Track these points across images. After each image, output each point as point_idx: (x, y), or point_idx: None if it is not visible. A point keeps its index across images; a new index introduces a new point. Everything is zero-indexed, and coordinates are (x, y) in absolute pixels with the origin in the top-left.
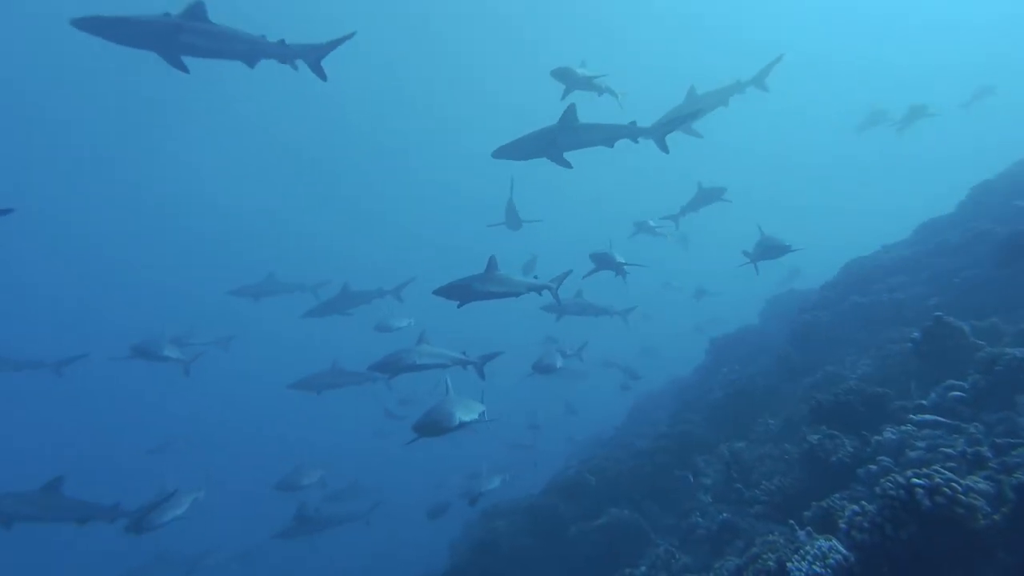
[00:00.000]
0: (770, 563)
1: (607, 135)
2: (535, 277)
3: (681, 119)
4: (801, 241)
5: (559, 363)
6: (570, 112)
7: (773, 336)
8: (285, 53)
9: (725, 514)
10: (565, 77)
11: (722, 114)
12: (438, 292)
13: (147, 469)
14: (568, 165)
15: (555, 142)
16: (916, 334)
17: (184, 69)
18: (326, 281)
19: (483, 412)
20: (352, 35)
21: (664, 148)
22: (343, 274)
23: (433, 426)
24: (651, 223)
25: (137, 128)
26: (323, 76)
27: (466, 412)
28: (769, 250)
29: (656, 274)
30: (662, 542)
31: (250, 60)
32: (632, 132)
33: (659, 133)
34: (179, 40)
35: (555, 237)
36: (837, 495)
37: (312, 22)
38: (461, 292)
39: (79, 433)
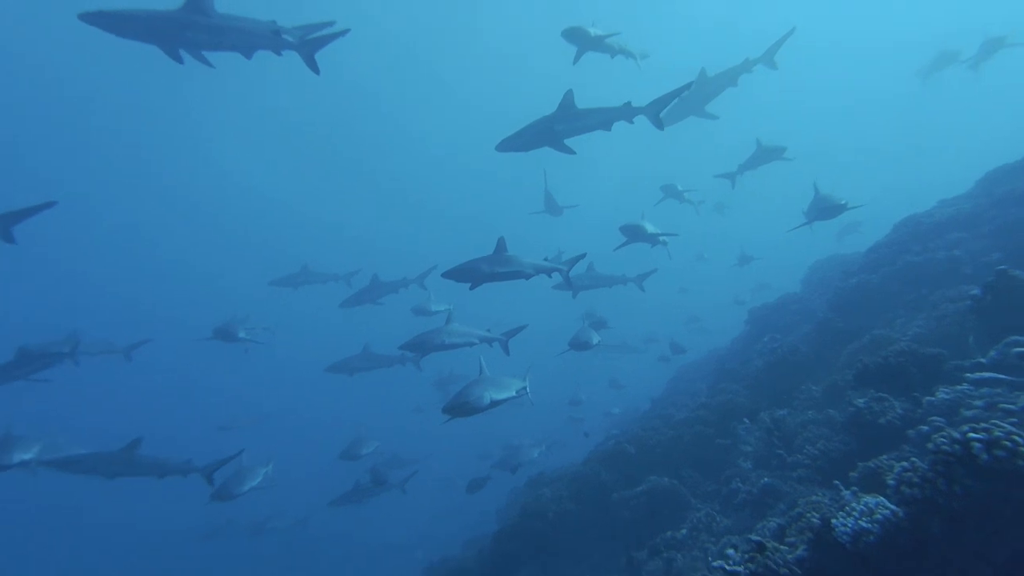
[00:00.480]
0: (814, 520)
1: (604, 118)
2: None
3: (673, 94)
4: (859, 197)
5: (595, 340)
6: (567, 99)
7: (815, 303)
8: (279, 45)
9: (767, 479)
10: (576, 37)
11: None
12: (446, 275)
13: (217, 445)
14: (570, 151)
15: (554, 130)
16: (976, 290)
17: (180, 61)
18: (356, 270)
19: (523, 388)
20: (346, 32)
21: (659, 125)
22: (373, 263)
23: (462, 407)
24: (679, 187)
25: (176, 124)
26: (316, 70)
27: (499, 391)
28: (825, 209)
29: (688, 245)
30: (702, 507)
31: (247, 53)
32: (627, 113)
33: (653, 111)
34: (183, 36)
35: (593, 220)
36: (885, 456)
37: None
38: (469, 274)
39: (150, 413)
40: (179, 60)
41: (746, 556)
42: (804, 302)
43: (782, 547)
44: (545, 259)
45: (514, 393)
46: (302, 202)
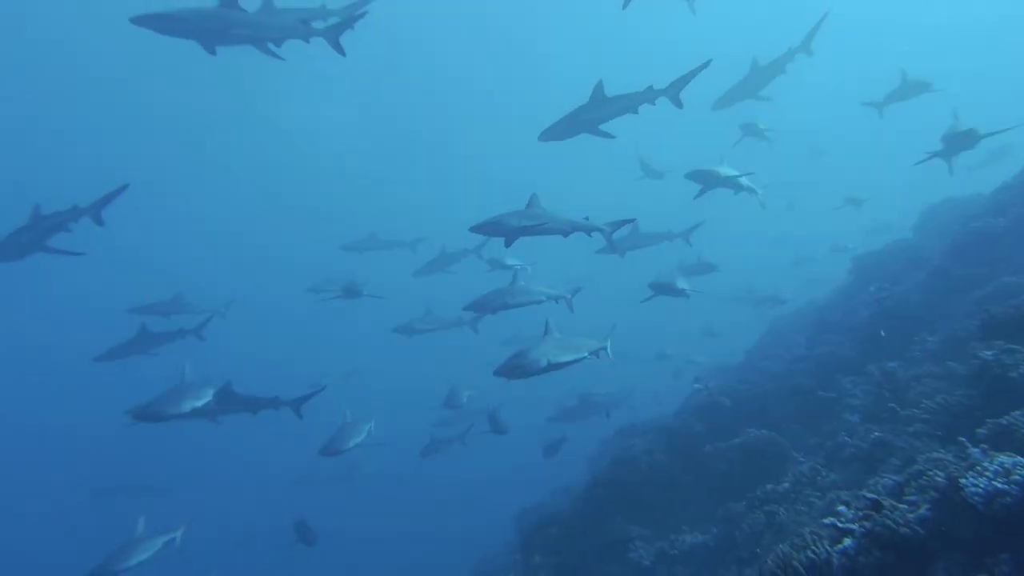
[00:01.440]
0: (938, 479)
1: (630, 103)
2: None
3: (692, 74)
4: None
5: (680, 283)
6: (598, 89)
7: (929, 250)
8: (308, 33)
9: (877, 433)
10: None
11: None
12: (475, 228)
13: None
14: (608, 135)
15: (588, 118)
16: None
17: (214, 53)
18: (423, 237)
19: (600, 349)
20: (364, 14)
21: (678, 104)
22: (438, 232)
23: (515, 370)
24: (760, 126)
25: (245, 99)
26: (342, 52)
27: (562, 352)
28: (961, 139)
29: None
30: (805, 460)
31: (279, 42)
32: (650, 96)
33: (672, 92)
34: (227, 33)
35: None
36: (1019, 412)
37: None
38: (497, 227)
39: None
40: (213, 53)
41: (860, 514)
42: (916, 249)
43: (901, 505)
44: (585, 218)
45: (584, 355)
46: (374, 174)
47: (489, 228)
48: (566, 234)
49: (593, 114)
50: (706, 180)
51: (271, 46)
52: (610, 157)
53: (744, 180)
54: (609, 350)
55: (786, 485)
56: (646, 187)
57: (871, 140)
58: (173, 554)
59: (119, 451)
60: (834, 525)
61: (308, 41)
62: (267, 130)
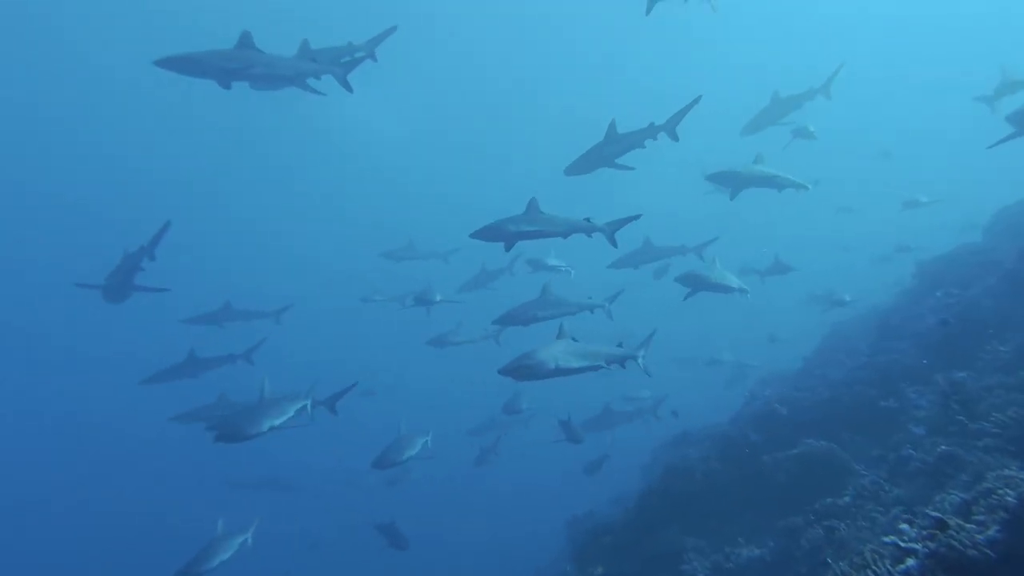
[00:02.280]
0: (1009, 499)
1: (639, 139)
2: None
3: (686, 110)
4: None
5: (718, 278)
6: (611, 128)
7: (1001, 253)
8: (319, 71)
9: (944, 446)
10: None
11: None
12: (474, 235)
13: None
14: (628, 168)
15: (604, 154)
16: None
17: (229, 88)
18: (455, 249)
19: (624, 359)
20: (367, 58)
21: (675, 138)
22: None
23: (520, 370)
24: (811, 128)
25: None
26: (349, 89)
27: (574, 358)
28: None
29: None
30: (867, 473)
31: (297, 84)
32: (651, 131)
33: (670, 126)
34: (244, 73)
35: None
36: None
37: None
38: (494, 233)
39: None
40: (228, 88)
41: (924, 533)
42: (987, 252)
43: (968, 525)
44: (586, 219)
45: (600, 363)
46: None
47: (487, 233)
48: (565, 236)
49: (608, 150)
50: (730, 181)
51: (311, 81)
52: (669, 165)
53: (780, 176)
54: (641, 361)
55: (846, 499)
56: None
57: (943, 139)
58: (246, 553)
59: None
60: (896, 544)
61: (319, 79)
62: (314, 132)
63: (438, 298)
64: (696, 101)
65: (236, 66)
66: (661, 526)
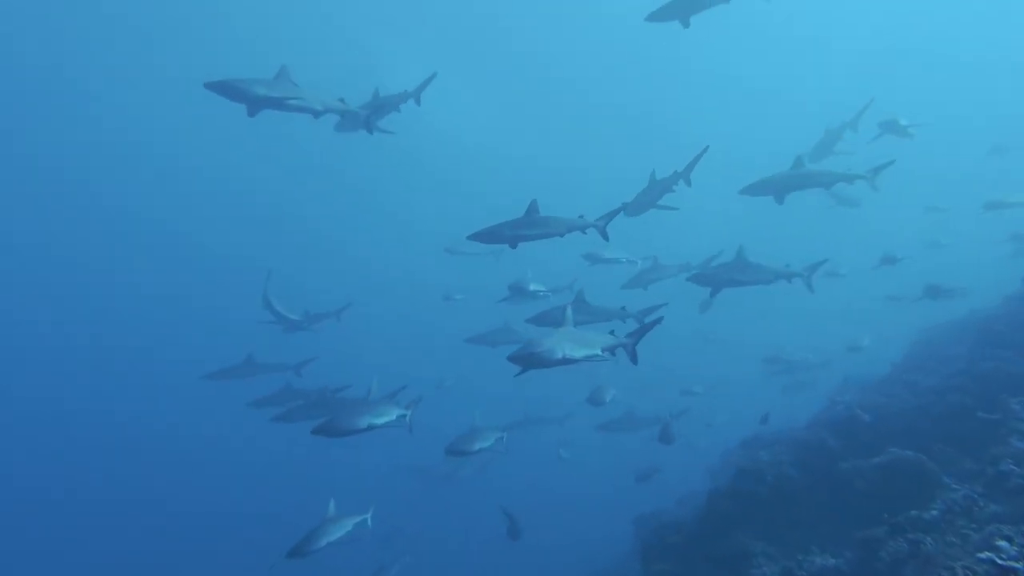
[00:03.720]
0: None
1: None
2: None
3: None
4: None
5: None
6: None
7: None
8: (345, 110)
9: None
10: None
11: None
12: (472, 237)
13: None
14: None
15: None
16: None
17: (253, 116)
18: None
19: (614, 347)
20: (408, 101)
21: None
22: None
23: (529, 358)
24: (902, 122)
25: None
26: (370, 131)
27: (577, 347)
28: None
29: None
30: (959, 487)
31: (319, 116)
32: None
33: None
34: (281, 104)
35: None
36: None
37: None
38: (493, 236)
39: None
40: (253, 116)
41: None
42: None
43: None
44: (580, 216)
45: (597, 352)
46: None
47: (486, 236)
48: (563, 235)
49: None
50: (766, 189)
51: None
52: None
53: (821, 172)
54: (630, 349)
55: (935, 513)
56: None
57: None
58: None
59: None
60: (993, 561)
61: (343, 118)
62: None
63: (532, 287)
64: (705, 151)
65: (276, 96)
66: (730, 528)
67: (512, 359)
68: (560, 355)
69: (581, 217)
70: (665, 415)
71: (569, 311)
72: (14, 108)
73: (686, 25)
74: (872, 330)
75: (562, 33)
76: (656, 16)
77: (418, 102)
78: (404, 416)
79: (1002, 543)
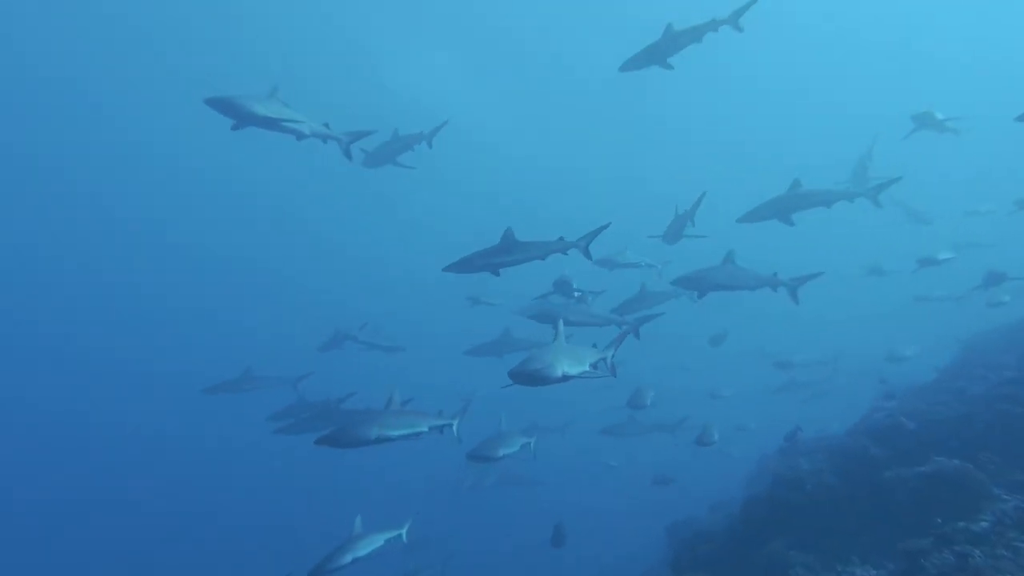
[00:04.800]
0: None
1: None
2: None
3: (596, 232)
4: None
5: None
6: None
7: None
8: (328, 135)
9: None
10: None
11: None
12: (447, 268)
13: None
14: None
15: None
16: None
17: (236, 131)
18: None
19: (601, 362)
20: (371, 132)
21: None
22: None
23: (533, 376)
24: (939, 116)
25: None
26: (349, 158)
27: (574, 363)
28: None
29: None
30: (1010, 498)
31: (302, 138)
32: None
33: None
34: (274, 124)
35: None
36: None
37: None
38: (468, 265)
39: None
40: (236, 131)
41: None
42: None
43: None
44: (560, 238)
45: (586, 367)
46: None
47: (461, 266)
48: (543, 258)
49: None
50: (767, 214)
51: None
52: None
53: (831, 189)
54: (609, 361)
55: (984, 524)
56: None
57: None
58: (398, 549)
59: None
60: None
61: (325, 143)
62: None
63: (575, 286)
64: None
65: (273, 116)
66: (766, 538)
67: (512, 376)
68: (560, 373)
69: (561, 239)
70: (707, 422)
71: (561, 324)
72: (16, 111)
73: (667, 67)
74: (917, 336)
75: (575, 34)
76: (629, 65)
77: (430, 145)
78: (437, 427)
79: None
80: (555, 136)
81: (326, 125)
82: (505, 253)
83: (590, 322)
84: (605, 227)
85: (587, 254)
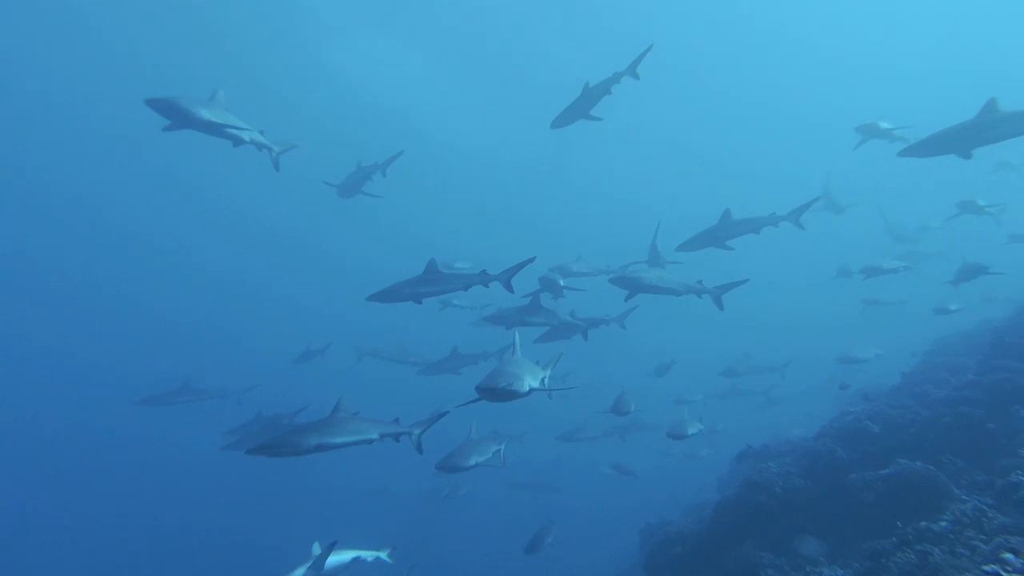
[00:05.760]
0: None
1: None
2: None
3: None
4: None
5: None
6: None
7: None
8: (263, 145)
9: None
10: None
11: None
12: (371, 297)
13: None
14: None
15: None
16: None
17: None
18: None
19: (545, 378)
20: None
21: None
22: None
23: (503, 393)
24: (883, 125)
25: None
26: (277, 168)
27: (534, 378)
28: None
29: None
30: (969, 498)
31: (238, 144)
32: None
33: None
34: (220, 131)
35: None
36: None
37: None
38: (392, 295)
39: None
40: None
41: None
42: None
43: None
44: (482, 271)
45: (541, 384)
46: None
47: (386, 296)
48: (465, 289)
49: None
50: (702, 244)
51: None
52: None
53: (758, 217)
54: (546, 381)
55: (944, 524)
56: None
57: None
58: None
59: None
60: (998, 573)
61: (260, 151)
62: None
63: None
64: (528, 262)
65: (218, 122)
66: (737, 540)
67: (480, 392)
68: (527, 387)
69: (484, 272)
70: (684, 416)
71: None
72: (17, 117)
73: (594, 119)
74: (878, 340)
75: (563, 41)
76: (559, 123)
77: (384, 174)
78: (392, 436)
79: (1008, 555)
80: (512, 130)
81: (261, 133)
82: (429, 284)
83: (548, 323)
84: (529, 262)
85: (508, 287)
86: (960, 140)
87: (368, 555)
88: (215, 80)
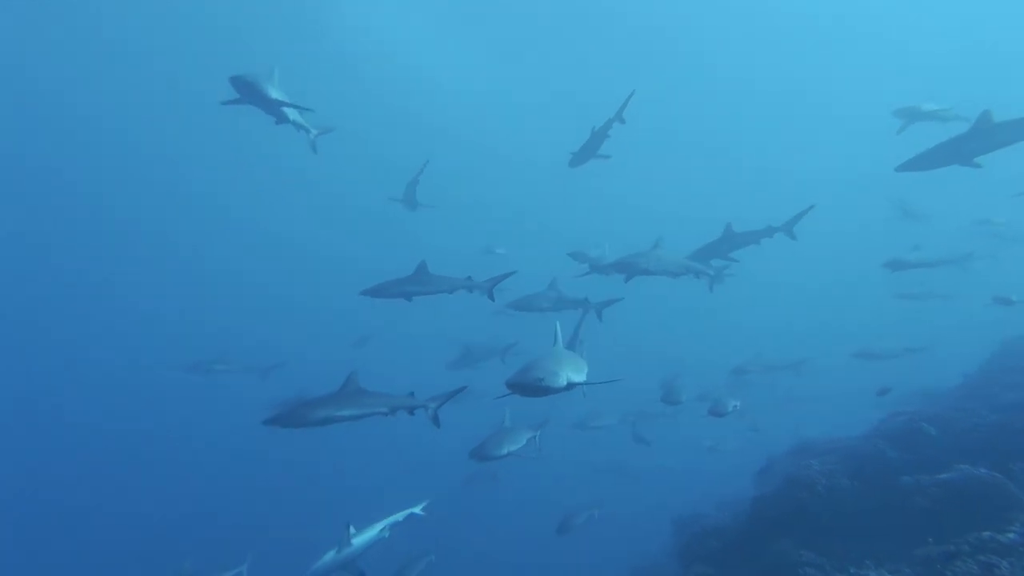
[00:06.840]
0: None
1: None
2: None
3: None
4: None
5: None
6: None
7: None
8: (302, 125)
9: None
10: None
11: None
12: (364, 292)
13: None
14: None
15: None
16: None
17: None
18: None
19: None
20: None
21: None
22: None
23: (536, 389)
24: (928, 107)
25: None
26: (315, 151)
27: (576, 371)
28: None
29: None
30: None
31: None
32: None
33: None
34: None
35: None
36: None
37: None
38: (384, 291)
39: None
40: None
41: None
42: None
43: None
44: (468, 278)
45: (580, 379)
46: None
47: (377, 292)
48: (450, 292)
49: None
50: (711, 255)
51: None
52: None
53: (755, 230)
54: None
55: (1012, 535)
56: None
57: None
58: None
59: None
60: None
61: (298, 131)
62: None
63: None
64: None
65: (278, 99)
66: (775, 536)
67: (511, 387)
68: (564, 382)
69: (469, 278)
70: (716, 394)
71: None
72: (17, 118)
73: (605, 158)
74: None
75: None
76: (575, 163)
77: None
78: (406, 409)
79: None
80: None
81: (301, 113)
82: (417, 284)
83: (558, 308)
84: (511, 274)
85: (491, 296)
86: (957, 152)
87: (401, 516)
88: (215, 54)
